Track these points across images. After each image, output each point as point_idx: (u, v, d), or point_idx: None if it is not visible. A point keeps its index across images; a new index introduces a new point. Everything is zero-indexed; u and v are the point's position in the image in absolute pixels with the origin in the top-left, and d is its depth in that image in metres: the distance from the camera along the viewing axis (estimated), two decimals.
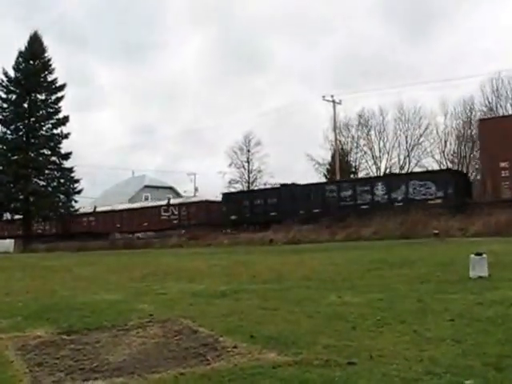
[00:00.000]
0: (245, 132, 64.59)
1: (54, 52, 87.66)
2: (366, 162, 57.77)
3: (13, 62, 45.77)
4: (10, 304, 9.31)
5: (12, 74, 45.42)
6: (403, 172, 49.81)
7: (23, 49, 45.71)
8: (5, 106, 45.36)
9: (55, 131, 45.71)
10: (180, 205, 45.11)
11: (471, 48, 76.74)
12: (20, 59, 45.75)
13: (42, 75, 45.62)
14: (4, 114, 45.22)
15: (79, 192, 46.41)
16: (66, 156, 45.63)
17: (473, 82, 68.60)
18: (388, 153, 56.24)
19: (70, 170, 45.62)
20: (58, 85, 45.92)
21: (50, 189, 45.47)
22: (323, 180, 51.53)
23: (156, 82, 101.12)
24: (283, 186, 39.12)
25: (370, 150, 57.09)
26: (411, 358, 4.67)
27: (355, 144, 57.78)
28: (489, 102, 50.36)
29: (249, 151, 63.35)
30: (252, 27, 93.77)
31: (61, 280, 14.10)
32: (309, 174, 59.12)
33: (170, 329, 6.53)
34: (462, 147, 52.19)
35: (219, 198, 42.57)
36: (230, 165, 63.48)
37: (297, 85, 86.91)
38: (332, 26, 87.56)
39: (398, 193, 32.30)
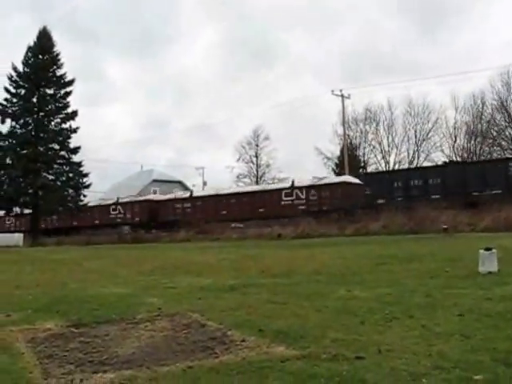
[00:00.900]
0: (254, 126, 64.58)
1: (66, 47, 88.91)
2: (375, 156, 57.69)
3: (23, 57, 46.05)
4: (20, 297, 9.37)
5: (21, 68, 45.63)
6: None
7: (32, 44, 45.90)
8: (14, 100, 45.45)
9: (64, 126, 45.83)
10: (309, 187, 37.40)
11: (484, 42, 76.20)
12: (29, 54, 45.85)
13: (51, 70, 45.70)
14: (13, 108, 45.35)
15: (88, 186, 46.54)
16: (75, 150, 45.75)
17: (483, 77, 68.17)
18: (397, 147, 56.12)
19: (79, 164, 45.75)
20: (66, 79, 46.01)
21: (58, 183, 45.60)
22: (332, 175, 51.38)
23: (168, 77, 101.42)
24: (451, 162, 36.23)
25: (379, 144, 56.99)
26: (420, 353, 4.66)
27: (364, 138, 57.68)
28: (499, 97, 50.03)
29: (257, 146, 63.41)
30: (264, 21, 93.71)
31: (70, 273, 14.17)
32: (318, 169, 59.08)
33: (179, 322, 6.55)
34: (472, 141, 51.94)
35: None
36: (239, 159, 63.60)
37: (308, 79, 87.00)
38: (344, 20, 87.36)
39: None
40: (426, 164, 51.04)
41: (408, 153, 55.27)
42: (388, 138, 56.18)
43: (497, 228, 21.89)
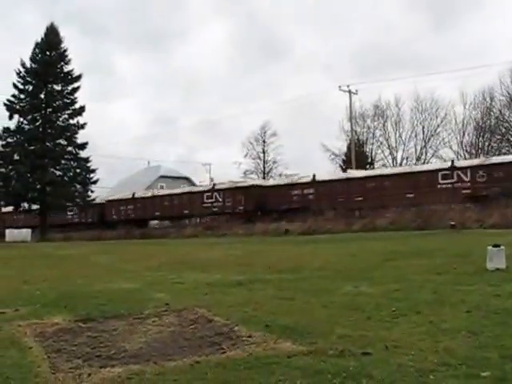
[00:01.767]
0: (262, 123, 64.51)
1: (76, 42, 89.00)
2: (382, 152, 57.51)
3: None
4: (28, 292, 9.43)
5: (29, 64, 45.73)
6: None
7: (40, 40, 45.98)
8: (22, 96, 45.55)
9: (71, 121, 45.91)
10: (475, 168, 30.51)
11: (494, 38, 75.73)
12: (37, 50, 45.91)
13: (59, 66, 45.73)
14: (21, 104, 45.47)
15: (95, 182, 46.60)
16: (83, 146, 45.83)
17: (493, 72, 67.73)
18: (404, 143, 55.91)
19: (87, 160, 45.83)
20: (74, 75, 46.02)
21: (66, 179, 45.71)
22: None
23: (176, 72, 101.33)
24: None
25: (386, 140, 56.80)
26: (427, 349, 4.65)
27: (371, 134, 57.52)
28: (508, 93, 49.73)
29: (264, 142, 63.35)
30: (272, 16, 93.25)
31: (78, 268, 14.24)
32: (325, 165, 58.98)
33: (186, 318, 6.57)
34: (481, 138, 51.69)
35: None
36: (246, 155, 63.57)
37: (317, 74, 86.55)
38: (354, 15, 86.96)
39: None
40: (433, 160, 50.84)
41: (415, 149, 55.10)
42: (396, 134, 56.03)
43: (505, 224, 21.78)
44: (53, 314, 7.09)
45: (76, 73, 46.29)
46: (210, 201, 40.00)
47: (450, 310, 6.39)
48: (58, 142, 46.00)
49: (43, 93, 45.76)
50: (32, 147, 44.79)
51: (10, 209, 49.01)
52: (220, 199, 39.51)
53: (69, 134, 45.78)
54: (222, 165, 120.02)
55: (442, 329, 5.42)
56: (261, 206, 36.96)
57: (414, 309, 6.50)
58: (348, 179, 35.10)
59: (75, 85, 46.12)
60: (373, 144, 57.78)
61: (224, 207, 39.34)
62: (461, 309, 6.37)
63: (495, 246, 9.72)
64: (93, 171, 46.13)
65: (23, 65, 45.50)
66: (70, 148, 46.24)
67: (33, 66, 45.83)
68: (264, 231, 30.87)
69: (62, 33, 46.79)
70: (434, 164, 36.65)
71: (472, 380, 3.87)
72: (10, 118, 45.02)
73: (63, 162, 46.11)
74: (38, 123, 45.77)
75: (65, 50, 46.30)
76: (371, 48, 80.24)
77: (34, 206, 46.44)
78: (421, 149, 54.89)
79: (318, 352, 4.68)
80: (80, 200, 45.35)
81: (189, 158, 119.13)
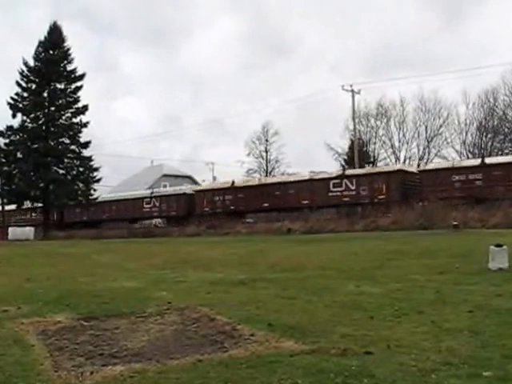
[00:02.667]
0: (264, 122, 64.46)
1: (83, 40, 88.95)
2: (385, 151, 57.42)
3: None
4: (31, 290, 9.45)
5: (32, 63, 45.81)
6: None
7: (43, 38, 46.05)
8: (25, 95, 45.64)
9: (74, 120, 45.99)
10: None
11: (498, 38, 75.51)
12: (40, 49, 45.97)
13: (62, 64, 45.78)
14: (24, 103, 45.55)
15: (98, 180, 46.66)
16: (86, 145, 45.90)
17: (496, 73, 67.50)
18: (407, 143, 55.82)
19: (89, 158, 45.90)
20: (77, 74, 46.13)
21: (69, 177, 45.78)
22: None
23: (184, 70, 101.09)
24: None
25: (389, 140, 56.72)
26: (429, 349, 4.65)
27: (374, 134, 57.44)
28: (511, 93, 49.64)
29: (267, 141, 63.30)
30: (282, 13, 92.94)
31: (80, 267, 14.26)
32: (329, 164, 58.91)
33: (188, 316, 6.58)
34: (483, 138, 51.59)
35: None
36: (249, 154, 63.54)
37: (324, 73, 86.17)
38: (362, 14, 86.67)
39: None
40: (436, 160, 50.76)
41: (418, 149, 55.01)
42: (399, 133, 55.94)
43: (508, 224, 21.74)
44: (55, 312, 7.11)
45: (80, 71, 46.43)
46: (338, 189, 33.76)
47: (452, 309, 6.38)
48: (61, 140, 46.12)
49: (46, 91, 45.84)
50: (35, 145, 44.88)
51: (13, 207, 49.01)
52: (352, 187, 33.57)
53: (72, 132, 45.88)
54: (226, 164, 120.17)
55: (444, 328, 5.42)
56: (406, 194, 31.11)
57: (416, 308, 6.50)
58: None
59: (78, 83, 46.21)
60: (375, 143, 57.71)
61: (359, 196, 33.33)
62: (463, 308, 6.37)
63: (498, 245, 9.71)
64: (96, 170, 46.19)
65: (26, 63, 45.59)
66: (73, 146, 46.34)
67: (36, 64, 45.88)
68: (266, 230, 30.86)
69: (69, 30, 47.19)
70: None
71: (474, 379, 3.86)
72: (14, 116, 45.12)
73: (66, 160, 46.20)
74: (41, 122, 45.86)
75: (68, 49, 46.39)
76: (378, 47, 79.96)
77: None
78: (424, 149, 54.81)
79: (321, 351, 4.68)
80: (83, 198, 45.38)
81: (194, 157, 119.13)
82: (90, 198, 45.84)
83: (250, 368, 4.31)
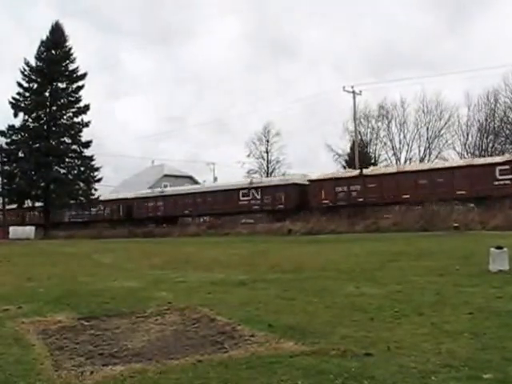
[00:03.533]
0: (265, 122, 64.45)
1: (87, 38, 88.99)
2: (386, 153, 57.41)
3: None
4: (31, 289, 9.46)
5: (34, 63, 45.84)
6: None
7: (45, 38, 46.08)
8: (26, 94, 45.68)
9: (76, 120, 46.05)
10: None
11: (499, 40, 75.31)
12: (42, 48, 46.01)
13: (64, 64, 45.84)
14: (26, 102, 45.59)
15: (99, 180, 46.68)
16: (87, 144, 45.93)
17: (497, 74, 67.51)
18: (408, 144, 55.80)
19: (91, 158, 45.93)
20: (79, 74, 46.16)
21: (70, 177, 45.83)
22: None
23: (187, 71, 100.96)
24: None
25: (390, 141, 56.70)
26: (429, 351, 4.65)
27: (375, 135, 57.43)
28: None
29: (268, 142, 63.28)
30: (286, 14, 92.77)
31: (81, 266, 14.27)
32: (329, 166, 58.85)
33: (189, 317, 6.58)
34: (484, 139, 51.56)
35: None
36: (249, 155, 63.50)
37: (328, 74, 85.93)
38: (365, 16, 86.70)
39: None
40: (437, 161, 50.73)
41: (419, 150, 54.99)
42: (400, 135, 55.93)
43: (508, 226, 21.73)
44: (56, 311, 7.12)
45: (81, 71, 46.49)
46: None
47: (453, 311, 6.38)
48: (62, 140, 46.16)
49: (48, 91, 45.89)
50: (36, 145, 44.93)
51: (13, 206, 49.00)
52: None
53: (73, 132, 45.90)
54: (228, 164, 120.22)
55: (445, 330, 5.42)
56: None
57: (417, 310, 6.50)
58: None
59: (80, 83, 46.26)
60: (376, 145, 57.70)
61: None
62: (463, 310, 6.36)
63: (498, 247, 9.71)
64: (97, 169, 46.23)
65: (28, 63, 45.64)
66: (74, 146, 46.36)
67: (38, 64, 45.93)
68: (267, 231, 30.86)
69: (73, 29, 47.38)
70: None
71: (474, 382, 3.87)
72: (15, 115, 45.18)
73: (67, 160, 46.25)
74: (42, 121, 45.92)
75: (70, 49, 46.44)
76: (382, 48, 79.95)
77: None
78: (424, 150, 54.79)
79: (321, 352, 4.68)
80: (84, 198, 45.40)
81: (196, 157, 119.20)
82: (91, 197, 45.85)
83: (250, 369, 4.31)
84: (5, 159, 46.45)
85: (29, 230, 41.51)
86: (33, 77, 45.91)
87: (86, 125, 46.02)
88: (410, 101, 55.57)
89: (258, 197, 37.67)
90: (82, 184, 46.32)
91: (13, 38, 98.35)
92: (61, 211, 48.00)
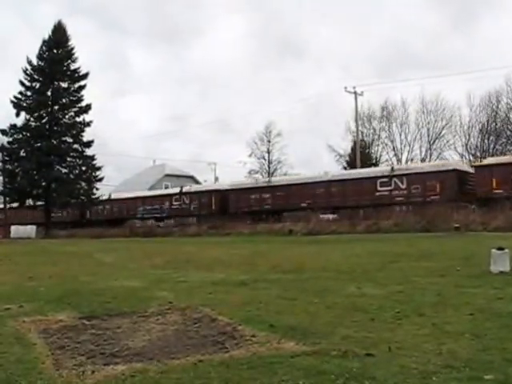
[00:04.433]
0: (266, 122, 64.38)
1: (92, 37, 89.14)
2: (387, 154, 57.38)
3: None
4: (32, 288, 9.47)
5: (36, 62, 45.86)
6: None
7: (47, 37, 46.11)
8: (28, 93, 45.72)
9: (78, 119, 46.10)
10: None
11: (502, 41, 75.22)
12: (44, 48, 46.07)
13: (66, 64, 45.86)
14: (28, 101, 45.62)
15: (101, 179, 46.74)
16: (88, 144, 45.96)
17: (500, 75, 67.49)
18: (409, 145, 55.76)
19: (92, 157, 45.95)
20: (81, 73, 46.20)
21: (71, 176, 45.86)
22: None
23: (192, 70, 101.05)
24: None
25: (392, 142, 56.67)
26: (430, 351, 4.65)
27: (377, 136, 57.40)
28: None
29: (269, 142, 63.23)
30: (293, 14, 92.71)
31: (82, 266, 14.28)
32: (331, 166, 58.78)
33: (190, 316, 6.58)
34: (486, 140, 51.52)
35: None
36: (251, 155, 63.44)
37: (334, 74, 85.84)
38: (371, 15, 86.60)
39: None
40: (438, 162, 50.67)
41: (420, 151, 54.95)
42: (401, 135, 55.89)
43: (509, 227, 21.70)
44: (57, 310, 7.12)
45: (84, 70, 46.54)
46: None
47: (454, 312, 6.38)
48: (63, 139, 46.18)
49: (50, 90, 45.91)
50: (38, 144, 44.97)
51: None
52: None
53: (75, 131, 45.92)
54: (229, 164, 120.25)
55: (446, 331, 5.42)
56: None
57: (418, 311, 6.50)
58: None
59: (82, 82, 46.30)
60: (378, 145, 57.67)
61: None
62: (464, 311, 6.36)
63: (499, 248, 9.71)
64: (98, 169, 46.26)
65: (30, 62, 45.68)
66: (75, 145, 46.39)
67: (40, 63, 45.97)
68: (268, 231, 30.85)
69: (78, 27, 47.20)
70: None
71: (475, 383, 3.87)
72: (17, 115, 45.22)
73: (69, 159, 46.27)
74: (44, 120, 45.96)
75: (72, 48, 46.48)
76: (389, 49, 79.96)
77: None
78: (426, 151, 54.76)
79: (321, 352, 4.68)
80: (85, 197, 45.42)
81: (199, 157, 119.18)
82: (93, 197, 45.86)
83: (251, 369, 4.32)
84: (6, 158, 46.49)
85: (30, 229, 41.58)
86: (35, 76, 45.95)
87: (88, 124, 46.07)
88: (411, 101, 55.58)
89: (403, 186, 32.61)
90: (83, 183, 46.35)
91: (18, 36, 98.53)
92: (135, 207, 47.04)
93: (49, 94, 45.97)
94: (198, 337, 5.58)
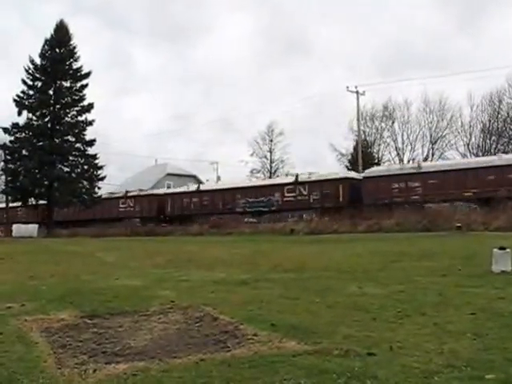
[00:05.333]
0: (269, 122, 64.43)
1: (97, 35, 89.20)
2: (389, 153, 57.34)
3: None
4: (34, 287, 9.48)
5: (38, 61, 45.91)
6: None
7: (49, 36, 46.13)
8: (31, 92, 45.70)
9: (80, 118, 46.09)
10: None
11: (504, 41, 75.12)
12: (46, 47, 46.07)
13: (68, 63, 45.86)
14: (30, 100, 45.64)
15: (103, 179, 46.74)
16: (91, 143, 45.96)
17: (502, 75, 67.42)
18: (411, 144, 55.73)
19: (94, 156, 45.94)
20: (83, 72, 46.19)
21: (73, 175, 45.88)
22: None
23: (197, 69, 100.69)
24: None
25: (394, 141, 56.64)
26: (431, 351, 4.65)
27: (379, 135, 57.37)
28: None
29: (271, 141, 63.26)
30: (298, 13, 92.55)
31: (84, 265, 14.29)
32: (334, 166, 58.76)
33: (191, 315, 6.59)
34: (488, 140, 51.49)
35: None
36: (252, 154, 63.48)
37: (339, 73, 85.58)
38: (376, 15, 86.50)
39: None
40: (441, 161, 50.65)
41: (422, 150, 54.91)
42: (403, 135, 55.86)
43: (511, 227, 21.69)
44: (59, 309, 7.13)
45: (89, 68, 46.58)
46: None
47: (455, 311, 6.38)
48: (66, 138, 46.17)
49: (52, 89, 45.91)
50: (40, 143, 44.98)
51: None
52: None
53: (77, 130, 45.93)
54: (231, 163, 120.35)
55: (447, 330, 5.42)
56: None
57: (419, 310, 6.50)
58: None
59: (84, 82, 46.30)
60: (380, 145, 57.64)
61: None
62: (466, 311, 6.36)
63: (501, 248, 9.71)
64: (100, 168, 46.25)
65: (32, 61, 45.68)
66: (78, 144, 46.39)
67: (42, 62, 45.98)
68: (270, 230, 30.86)
69: (83, 26, 47.16)
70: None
71: (476, 382, 3.87)
72: (19, 113, 45.20)
73: (71, 158, 46.26)
74: (46, 119, 45.95)
75: (74, 47, 46.47)
76: (394, 49, 79.71)
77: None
78: (428, 150, 54.72)
79: (323, 352, 4.69)
80: (87, 196, 45.45)
81: (202, 156, 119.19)
82: (95, 195, 45.90)
83: (253, 368, 4.32)
84: (8, 157, 46.52)
85: (32, 228, 41.57)
86: (37, 75, 45.94)
87: (90, 123, 46.07)
88: (414, 101, 55.55)
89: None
90: (85, 182, 46.37)
91: (21, 35, 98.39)
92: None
93: (51, 92, 45.96)
94: (200, 336, 5.58)
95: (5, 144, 46.03)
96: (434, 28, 77.62)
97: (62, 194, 44.15)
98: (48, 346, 5.25)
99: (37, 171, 44.58)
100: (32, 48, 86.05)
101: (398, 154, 56.48)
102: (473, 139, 52.36)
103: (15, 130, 45.21)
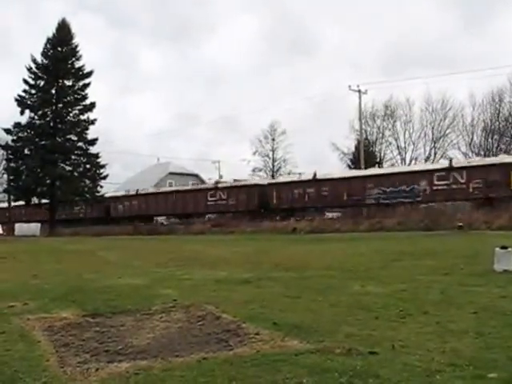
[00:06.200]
0: (272, 120, 64.38)
1: (100, 34, 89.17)
2: (391, 152, 57.29)
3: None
4: (37, 286, 9.50)
5: (40, 60, 45.91)
6: None
7: (51, 35, 46.16)
8: (33, 91, 45.81)
9: (82, 117, 46.17)
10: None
11: (506, 40, 74.98)
12: (48, 46, 46.13)
13: (70, 62, 45.94)
14: (32, 99, 45.71)
15: (105, 177, 46.85)
16: (93, 141, 46.06)
17: (503, 74, 67.29)
18: (413, 143, 55.69)
19: (96, 155, 46.03)
20: (85, 71, 46.27)
21: (76, 174, 45.95)
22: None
23: (201, 68, 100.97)
24: None
25: (396, 140, 56.58)
26: (434, 350, 4.65)
27: (381, 134, 57.31)
28: None
29: (273, 140, 63.25)
30: (301, 13, 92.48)
31: (86, 263, 14.30)
32: (335, 165, 58.76)
33: (194, 314, 6.60)
34: (489, 139, 51.43)
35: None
36: (255, 153, 63.47)
37: (342, 72, 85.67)
38: (378, 14, 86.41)
39: None
40: (442, 161, 50.59)
41: (424, 149, 54.85)
42: (405, 134, 55.79)
43: None
44: (61, 308, 7.15)
45: (88, 68, 46.61)
46: None
47: (457, 310, 6.38)
48: (68, 137, 46.26)
49: (54, 88, 45.97)
50: (42, 142, 45.09)
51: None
52: None
53: (79, 129, 45.99)
54: (234, 162, 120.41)
55: (449, 329, 5.41)
56: None
57: (421, 309, 6.50)
58: None
59: (86, 80, 46.39)
60: (382, 144, 57.59)
61: None
62: (468, 310, 6.36)
63: (503, 247, 9.70)
64: (102, 167, 46.33)
65: (34, 60, 45.72)
66: (80, 143, 46.46)
67: (44, 61, 46.02)
68: (271, 229, 30.85)
69: (85, 24, 47.19)
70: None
71: (479, 381, 3.86)
72: (22, 113, 45.31)
73: (73, 157, 46.37)
74: (48, 118, 46.04)
75: (76, 46, 46.53)
76: (398, 48, 79.74)
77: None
78: (430, 149, 54.67)
79: (325, 350, 4.69)
80: (89, 195, 45.50)
81: (205, 155, 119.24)
82: (97, 194, 45.94)
83: (255, 366, 4.32)
84: (11, 156, 46.67)
85: (34, 227, 41.63)
86: (39, 74, 46.02)
87: (92, 122, 46.15)
88: (415, 100, 55.50)
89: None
90: (87, 181, 46.44)
91: (24, 34, 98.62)
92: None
93: (53, 92, 46.04)
94: (202, 334, 5.58)
95: (7, 143, 46.14)
96: (438, 27, 77.59)
97: (65, 192, 44.25)
98: (50, 345, 5.26)
99: (39, 170, 44.69)
100: (34, 47, 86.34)
101: (400, 153, 56.48)
102: (475, 138, 52.31)
103: (17, 130, 45.36)
